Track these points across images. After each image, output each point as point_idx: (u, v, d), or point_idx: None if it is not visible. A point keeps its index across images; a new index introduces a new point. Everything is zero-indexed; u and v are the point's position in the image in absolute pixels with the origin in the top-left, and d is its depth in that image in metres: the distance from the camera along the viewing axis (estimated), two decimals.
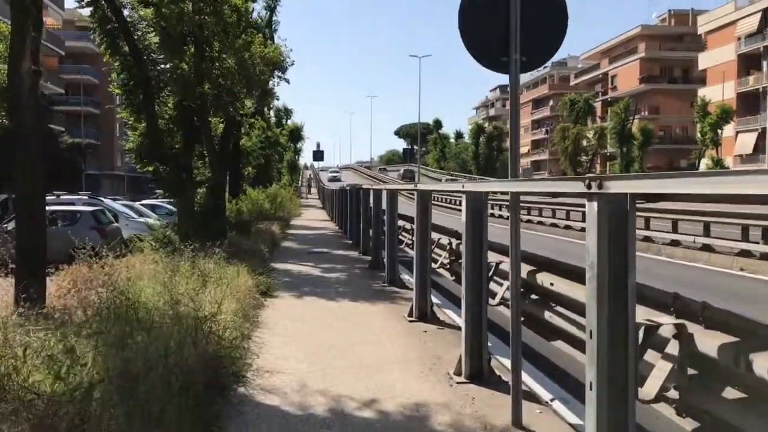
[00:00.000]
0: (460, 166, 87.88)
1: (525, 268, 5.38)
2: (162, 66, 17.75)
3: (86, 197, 22.61)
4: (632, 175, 3.03)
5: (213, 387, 5.20)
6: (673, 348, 3.33)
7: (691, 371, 3.30)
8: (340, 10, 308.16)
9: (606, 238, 3.19)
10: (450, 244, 8.36)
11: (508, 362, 6.43)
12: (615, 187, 3.10)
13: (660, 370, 3.34)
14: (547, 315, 5.12)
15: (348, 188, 22.91)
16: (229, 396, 5.39)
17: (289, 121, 68.91)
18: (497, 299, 5.95)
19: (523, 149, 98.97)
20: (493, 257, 6.24)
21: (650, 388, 3.33)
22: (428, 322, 8.29)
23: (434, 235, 8.85)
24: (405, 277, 12.09)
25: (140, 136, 18.97)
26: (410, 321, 8.40)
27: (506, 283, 5.91)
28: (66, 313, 7.51)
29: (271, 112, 56.69)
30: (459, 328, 7.98)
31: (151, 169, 20.76)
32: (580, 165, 61.40)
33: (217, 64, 15.18)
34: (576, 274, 4.71)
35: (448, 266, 8.40)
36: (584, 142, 61.55)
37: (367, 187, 16.52)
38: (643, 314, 3.50)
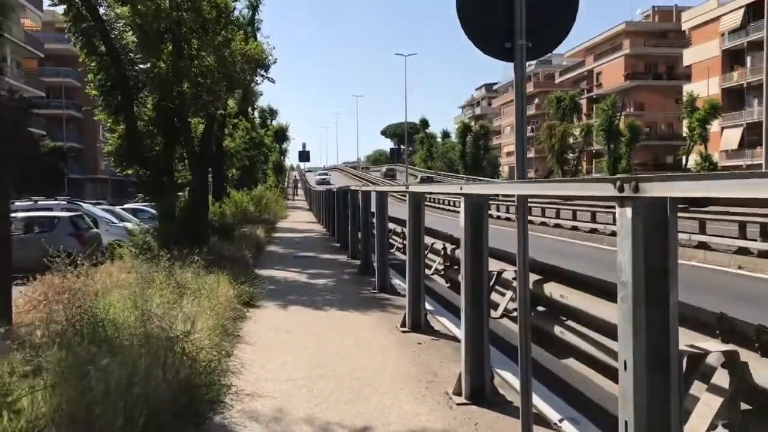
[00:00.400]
0: (447, 166, 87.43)
1: (530, 277, 4.87)
2: (141, 66, 17.14)
3: (65, 202, 21.86)
4: (675, 176, 2.52)
5: (185, 416, 4.65)
6: (722, 379, 2.83)
7: (744, 406, 2.81)
8: (323, 8, 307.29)
9: (642, 251, 2.68)
10: (444, 249, 7.84)
11: (510, 377, 5.94)
12: (654, 189, 2.58)
13: (707, 405, 2.84)
14: (558, 330, 4.61)
15: (335, 189, 22.36)
16: (205, 425, 4.83)
17: (274, 122, 68.29)
18: (499, 311, 5.44)
19: (510, 147, 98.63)
20: (493, 265, 5.71)
21: (696, 426, 2.82)
22: (422, 332, 7.77)
23: (427, 240, 8.33)
24: (396, 282, 11.57)
25: (119, 138, 18.38)
26: (403, 332, 7.87)
27: (509, 294, 5.41)
28: (31, 331, 6.95)
29: (256, 113, 55.98)
30: (455, 339, 7.49)
31: (130, 172, 20.17)
32: (566, 163, 61.06)
33: (196, 62, 14.55)
34: (593, 287, 4.21)
35: (442, 273, 7.88)
36: (571, 140, 61.17)
37: (355, 188, 15.96)
38: (681, 338, 2.97)
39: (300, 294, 10.99)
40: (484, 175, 72.59)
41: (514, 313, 5.35)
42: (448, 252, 7.70)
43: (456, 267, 7.47)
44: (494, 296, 5.74)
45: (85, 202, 24.69)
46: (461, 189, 5.29)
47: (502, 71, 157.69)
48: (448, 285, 7.80)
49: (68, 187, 57.12)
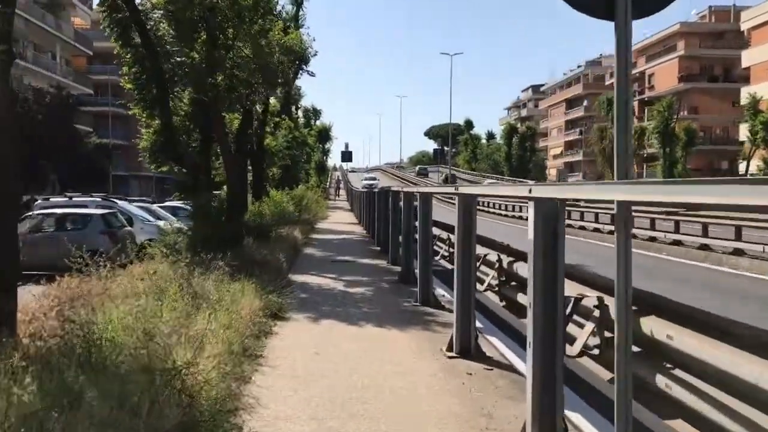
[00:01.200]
0: (491, 168, 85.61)
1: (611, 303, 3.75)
2: (176, 58, 16.42)
3: (99, 199, 21.33)
4: None
5: None
6: None
7: None
8: (369, 6, 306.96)
9: None
10: (500, 261, 6.72)
11: (584, 424, 4.83)
12: None
13: None
14: (662, 382, 3.48)
15: (376, 190, 21.39)
16: None
17: (317, 122, 67.85)
18: (577, 347, 4.31)
19: (556, 150, 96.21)
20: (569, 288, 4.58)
21: None
22: (472, 359, 6.64)
23: (479, 249, 7.22)
24: (440, 292, 10.46)
25: (154, 134, 17.81)
26: (450, 357, 6.76)
27: (589, 325, 4.28)
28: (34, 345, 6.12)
29: (300, 112, 55.32)
30: (512, 369, 6.38)
31: (165, 169, 19.56)
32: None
33: (232, 52, 13.69)
34: (717, 329, 3.09)
35: (496, 289, 6.76)
36: None
37: (397, 188, 14.90)
38: None
39: (334, 305, 9.95)
40: (530, 177, 70.58)
41: (595, 351, 4.24)
42: (504, 266, 6.58)
43: (513, 284, 6.36)
44: (570, 327, 4.60)
45: (123, 199, 24.17)
46: (530, 192, 4.19)
47: (548, 73, 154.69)
48: (503, 304, 6.68)
49: (113, 184, 57.55)
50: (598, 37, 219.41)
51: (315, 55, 19.32)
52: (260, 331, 7.32)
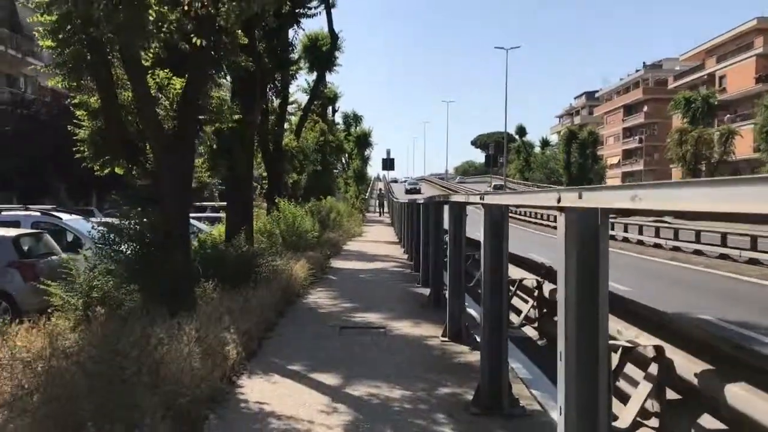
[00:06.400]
0: (546, 177, 78.11)
1: None
2: None
3: (38, 213, 15.24)
4: None
5: None
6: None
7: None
8: (411, 11, 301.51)
9: None
10: None
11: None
12: None
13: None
14: None
15: (421, 201, 14.94)
16: None
17: (357, 128, 61.84)
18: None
19: (614, 159, 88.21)
20: None
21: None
22: None
23: None
24: None
25: (93, 117, 11.84)
26: None
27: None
28: None
29: (337, 116, 48.87)
30: None
31: (121, 171, 13.53)
32: (699, 174, 50.83)
33: None
34: None
35: None
36: (704, 147, 50.99)
37: (461, 198, 8.23)
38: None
39: None
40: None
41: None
42: None
43: None
44: None
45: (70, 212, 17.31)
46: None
47: (601, 81, 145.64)
48: None
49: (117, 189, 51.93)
50: (650, 46, 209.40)
51: None
52: None
